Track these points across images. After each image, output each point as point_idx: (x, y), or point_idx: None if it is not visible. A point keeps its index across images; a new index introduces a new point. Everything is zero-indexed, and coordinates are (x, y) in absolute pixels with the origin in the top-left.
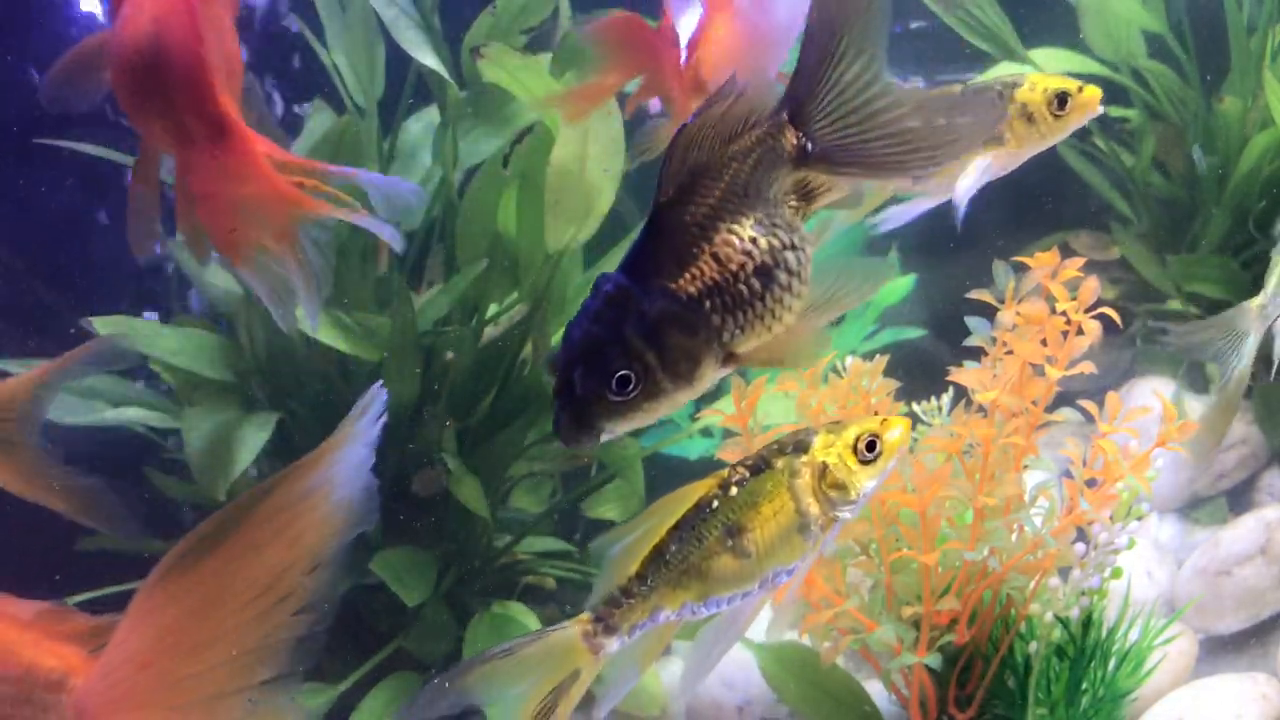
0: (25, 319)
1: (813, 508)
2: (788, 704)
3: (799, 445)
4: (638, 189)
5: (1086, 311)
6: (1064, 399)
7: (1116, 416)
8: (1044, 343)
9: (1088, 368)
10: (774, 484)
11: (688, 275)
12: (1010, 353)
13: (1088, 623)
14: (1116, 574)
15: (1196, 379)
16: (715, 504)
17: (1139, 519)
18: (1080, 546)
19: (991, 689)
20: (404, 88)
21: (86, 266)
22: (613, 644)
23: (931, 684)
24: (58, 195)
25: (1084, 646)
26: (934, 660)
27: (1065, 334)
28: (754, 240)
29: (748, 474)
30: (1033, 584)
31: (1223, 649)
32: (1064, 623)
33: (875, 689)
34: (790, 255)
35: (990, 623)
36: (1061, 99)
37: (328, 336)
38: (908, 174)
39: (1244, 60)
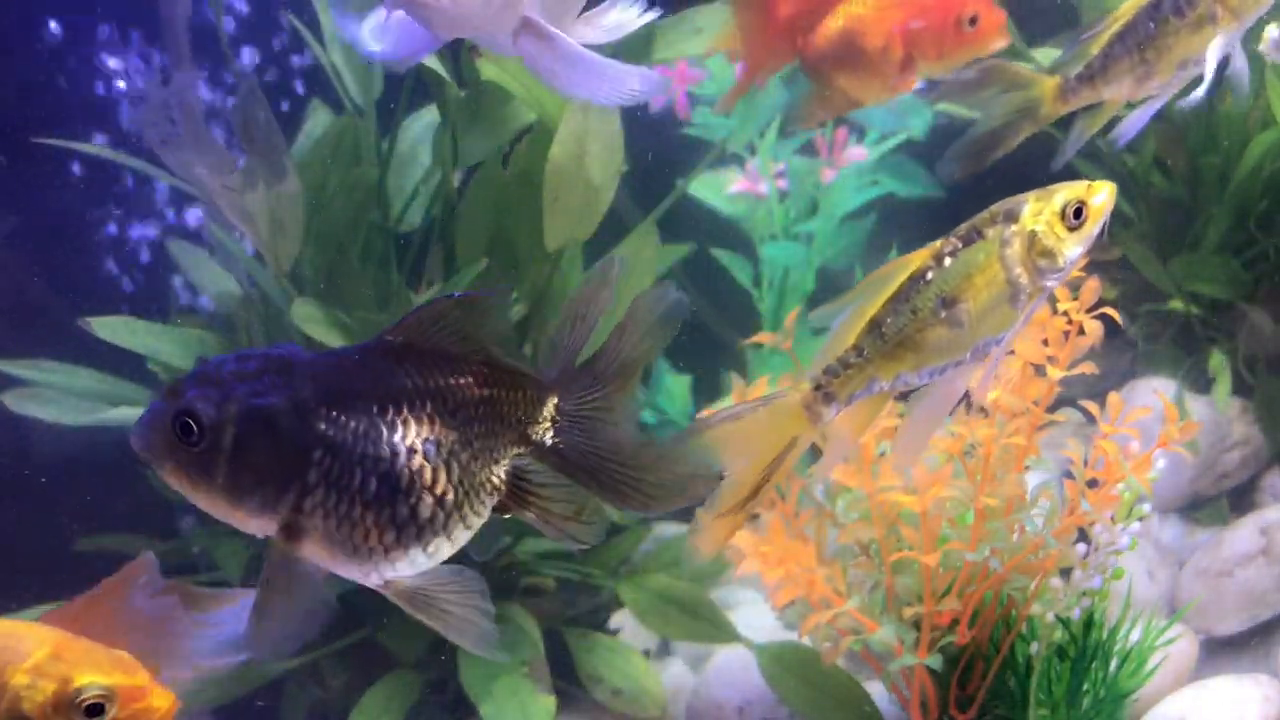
0: (25, 319)
1: (1023, 276)
2: (788, 704)
3: (1010, 215)
4: (638, 189)
5: (1088, 311)
6: (1064, 400)
7: (1117, 417)
8: (1045, 343)
9: (1089, 368)
10: (986, 254)
11: (335, 414)
12: (1011, 353)
13: (1089, 623)
14: (1118, 575)
15: (1197, 379)
16: (929, 275)
17: (1140, 520)
18: (1081, 547)
19: (992, 690)
20: (403, 87)
21: (85, 267)
22: (830, 412)
23: (932, 685)
24: (57, 196)
25: (1085, 647)
26: (935, 661)
27: (1066, 334)
28: (412, 452)
29: (960, 244)
30: (1034, 585)
31: (1224, 650)
32: (1065, 623)
33: (876, 689)
34: (431, 507)
35: (991, 623)
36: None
37: (327, 336)
38: (630, 507)
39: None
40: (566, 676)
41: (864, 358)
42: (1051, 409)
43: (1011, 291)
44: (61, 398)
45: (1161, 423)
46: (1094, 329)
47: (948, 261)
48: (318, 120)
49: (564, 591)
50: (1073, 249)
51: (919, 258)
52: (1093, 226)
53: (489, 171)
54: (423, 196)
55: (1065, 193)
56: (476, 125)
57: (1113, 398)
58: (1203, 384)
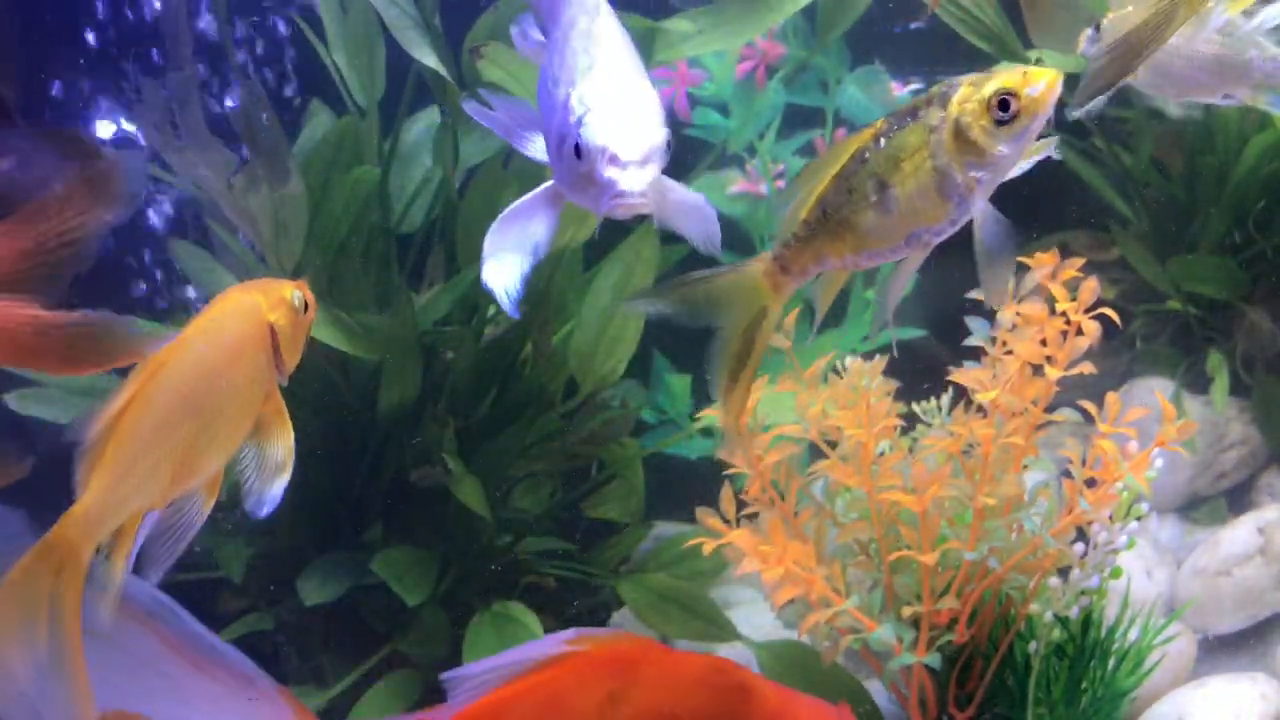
0: None
1: (952, 166)
2: None
3: (943, 98)
4: None
5: (1086, 312)
6: (1063, 399)
7: (1115, 417)
8: (1043, 343)
9: (1087, 368)
10: (917, 138)
11: None
12: (1010, 353)
13: (1087, 622)
14: (1116, 574)
15: (1195, 379)
16: (866, 155)
17: (1138, 519)
18: (1080, 546)
19: (991, 688)
20: (404, 88)
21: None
22: (789, 283)
23: (931, 683)
24: None
25: (1084, 646)
26: (934, 660)
27: (1064, 334)
28: None
29: (896, 126)
30: (1032, 584)
31: (1222, 649)
32: (1064, 622)
33: (875, 688)
34: None
35: (990, 622)
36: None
37: (328, 336)
38: None
39: None
40: None
41: (811, 233)
42: (1049, 409)
43: (940, 181)
44: (65, 398)
45: (1160, 422)
46: (1092, 329)
47: (883, 143)
48: (319, 121)
49: (564, 591)
50: (1000, 145)
51: (863, 137)
52: (1026, 123)
53: (490, 172)
54: (424, 197)
55: (998, 80)
56: (477, 126)
57: (1110, 397)
58: (1201, 384)
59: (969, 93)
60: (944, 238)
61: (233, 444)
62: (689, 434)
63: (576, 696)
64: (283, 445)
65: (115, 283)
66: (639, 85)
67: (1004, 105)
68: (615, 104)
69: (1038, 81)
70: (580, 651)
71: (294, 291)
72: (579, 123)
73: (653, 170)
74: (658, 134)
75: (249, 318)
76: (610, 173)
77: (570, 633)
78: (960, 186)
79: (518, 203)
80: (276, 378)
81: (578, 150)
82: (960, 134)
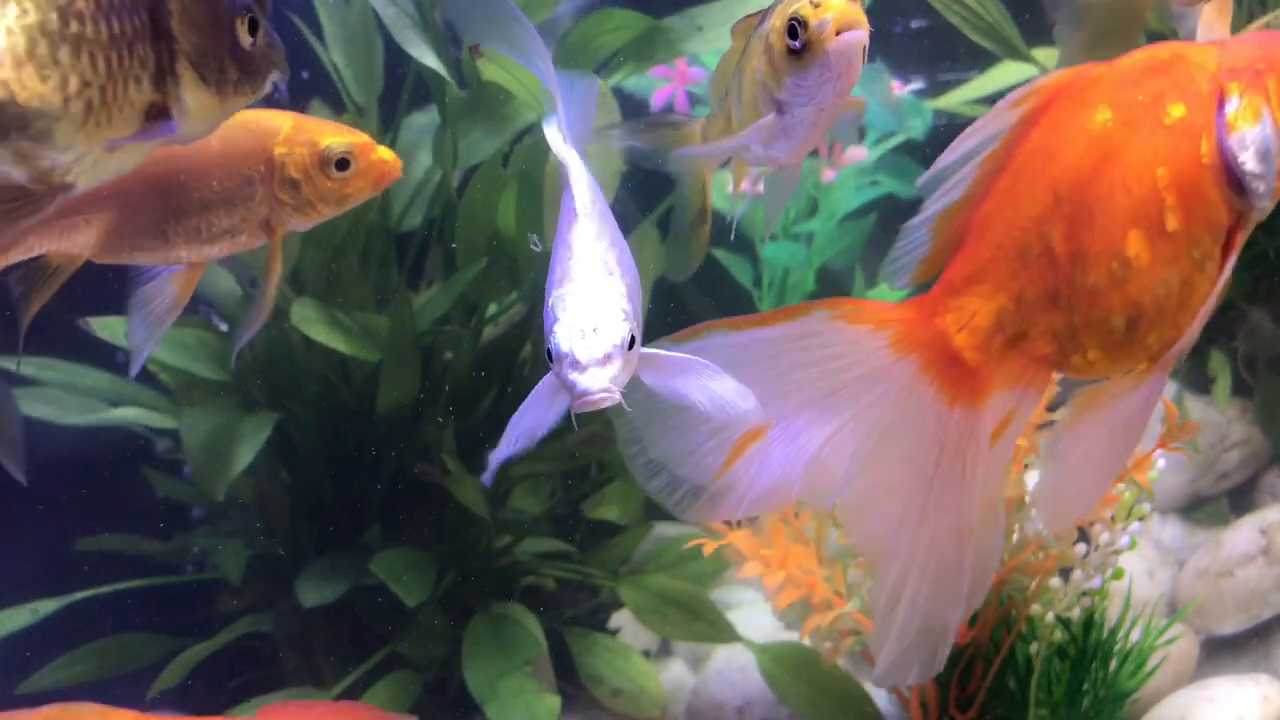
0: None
1: (768, 80)
2: (788, 705)
3: (772, 10)
4: (638, 189)
5: None
6: (1062, 400)
7: None
8: None
9: None
10: (757, 42)
11: None
12: None
13: (1089, 623)
14: (1118, 575)
15: (1197, 379)
16: (745, 48)
17: (1140, 520)
18: (1081, 547)
19: (992, 690)
20: (403, 87)
21: (86, 266)
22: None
23: (932, 685)
24: None
25: (1085, 647)
26: None
27: None
28: None
29: (756, 24)
30: (1034, 585)
31: (1224, 650)
32: (1065, 623)
33: (876, 690)
34: None
35: (991, 623)
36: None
37: (326, 337)
38: None
39: None
40: (566, 676)
41: (723, 110)
42: (1050, 408)
43: (761, 92)
44: (64, 396)
45: (1161, 422)
46: None
47: (751, 42)
48: None
49: (564, 592)
50: (789, 75)
51: (750, 24)
52: (813, 58)
53: (489, 171)
54: (423, 197)
55: (794, 6)
56: (477, 125)
57: None
58: (1202, 384)
59: (783, 9)
60: (782, 156)
61: (204, 243)
62: None
63: None
64: (264, 292)
65: (114, 282)
66: (601, 291)
67: (792, 32)
68: (575, 312)
69: (825, 15)
70: None
71: (334, 142)
72: (550, 330)
73: (613, 368)
74: (615, 335)
75: (251, 135)
76: (573, 375)
77: None
78: (774, 102)
79: (531, 396)
80: (278, 212)
81: (549, 354)
82: (768, 51)
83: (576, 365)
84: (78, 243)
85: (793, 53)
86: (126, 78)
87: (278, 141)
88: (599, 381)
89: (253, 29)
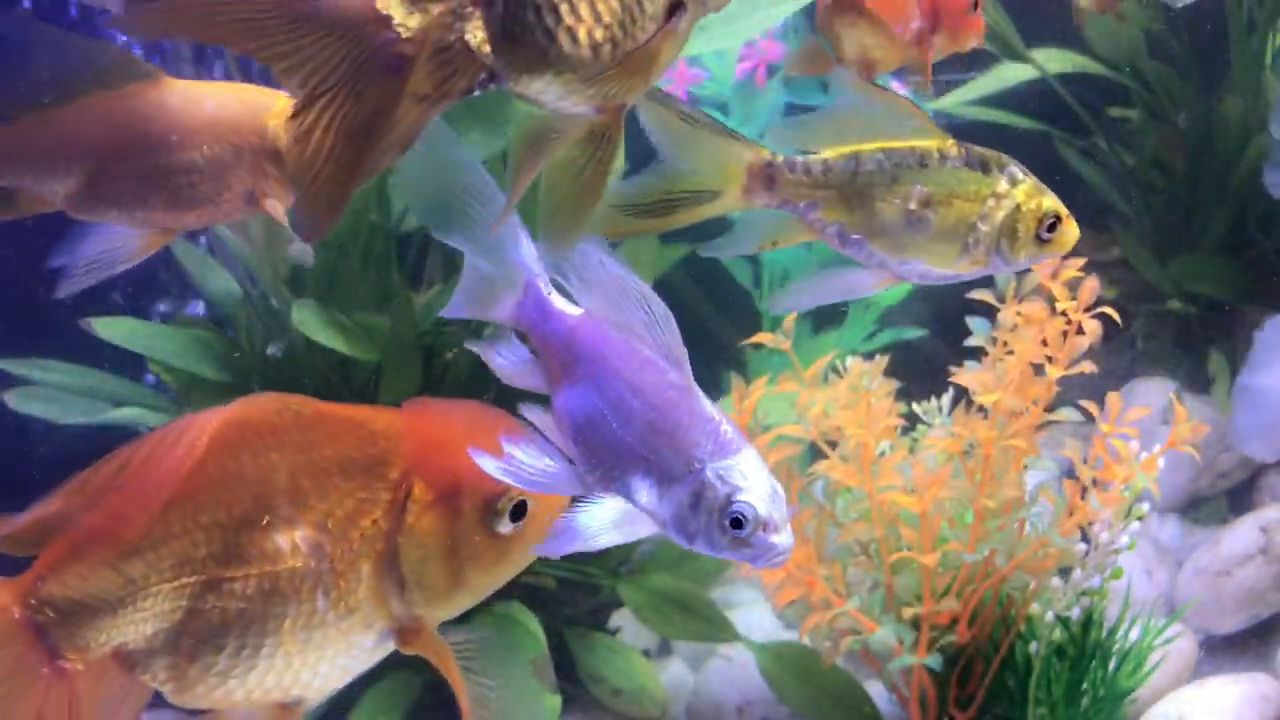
0: (23, 319)
1: (982, 227)
2: (788, 704)
3: (1013, 177)
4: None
5: (1087, 311)
6: (1063, 399)
7: (1117, 417)
8: (1044, 343)
9: (1088, 367)
10: (979, 188)
11: None
12: (1011, 352)
13: (1088, 623)
14: (1117, 574)
15: (1196, 379)
16: (926, 161)
17: (1139, 519)
18: (1081, 546)
19: (992, 689)
20: None
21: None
22: (760, 199)
23: (932, 684)
24: None
25: (1084, 647)
26: (934, 661)
27: (1065, 334)
28: None
29: (968, 160)
30: (1033, 584)
31: (1223, 649)
32: (1064, 623)
33: (876, 689)
34: None
35: (990, 623)
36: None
37: (326, 337)
38: None
39: (1244, 60)
40: (567, 676)
41: (826, 180)
42: (1050, 408)
43: (971, 237)
44: (64, 396)
45: (1161, 422)
46: (1093, 328)
47: (946, 165)
48: None
49: (564, 592)
50: (1025, 256)
51: (930, 143)
52: (1053, 250)
53: (489, 171)
54: None
55: (1055, 200)
56: (476, 125)
57: (1112, 397)
58: (1202, 384)
59: (1034, 191)
60: (928, 282)
61: (181, 208)
62: None
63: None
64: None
65: (113, 283)
66: (755, 452)
67: (1052, 228)
68: (756, 478)
69: (1070, 229)
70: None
71: None
72: (727, 499)
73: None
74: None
75: (245, 106)
76: (773, 538)
77: None
78: (980, 254)
79: (605, 515)
80: (264, 185)
81: (727, 523)
82: (1008, 219)
83: (776, 528)
84: (52, 187)
85: (1040, 241)
86: None
87: (272, 114)
88: (791, 536)
89: None
